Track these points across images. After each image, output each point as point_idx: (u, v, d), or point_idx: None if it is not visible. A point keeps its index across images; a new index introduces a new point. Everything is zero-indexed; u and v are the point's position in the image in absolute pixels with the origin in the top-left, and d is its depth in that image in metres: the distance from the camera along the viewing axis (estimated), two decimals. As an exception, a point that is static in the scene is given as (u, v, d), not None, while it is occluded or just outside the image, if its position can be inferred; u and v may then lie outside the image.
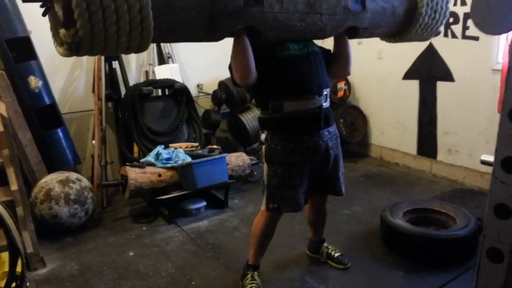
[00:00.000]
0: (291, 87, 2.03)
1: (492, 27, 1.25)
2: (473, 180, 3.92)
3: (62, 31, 1.40)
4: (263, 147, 2.16)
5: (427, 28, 2.29)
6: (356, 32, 2.12)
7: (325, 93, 2.09)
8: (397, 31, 2.29)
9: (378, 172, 4.46)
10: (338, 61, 2.19)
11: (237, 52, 1.89)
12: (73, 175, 3.17)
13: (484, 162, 2.01)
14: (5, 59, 3.27)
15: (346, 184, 2.39)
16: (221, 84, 4.45)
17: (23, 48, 3.33)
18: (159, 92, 4.24)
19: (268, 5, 1.75)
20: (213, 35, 1.75)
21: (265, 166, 2.17)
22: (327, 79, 2.15)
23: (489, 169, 1.08)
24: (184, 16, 1.60)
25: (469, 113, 3.87)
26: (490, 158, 2.02)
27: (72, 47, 1.40)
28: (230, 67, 2.05)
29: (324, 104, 2.09)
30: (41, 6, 1.50)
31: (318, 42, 2.20)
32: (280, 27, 1.84)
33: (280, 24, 1.82)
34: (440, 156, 4.20)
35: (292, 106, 2.03)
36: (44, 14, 1.53)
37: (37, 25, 3.16)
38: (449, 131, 4.09)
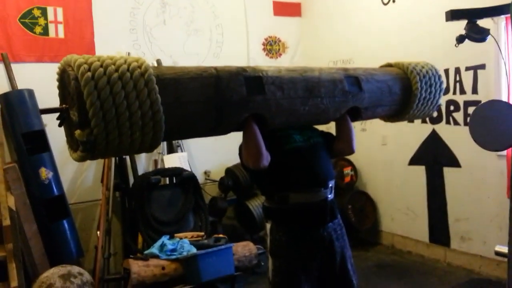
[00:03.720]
0: (297, 178, 2.04)
1: (490, 145, 1.30)
2: (490, 269, 3.74)
3: (77, 132, 1.45)
4: (268, 239, 2.11)
5: (426, 102, 2.37)
6: (359, 112, 2.17)
7: (330, 185, 2.09)
8: (399, 109, 2.35)
9: (391, 262, 4.28)
10: (341, 138, 2.20)
11: (248, 139, 1.92)
12: (75, 269, 3.05)
13: (498, 254, 1.91)
14: (19, 151, 3.38)
15: (359, 275, 2.27)
16: (228, 171, 4.49)
17: (38, 141, 3.44)
18: (167, 180, 4.27)
19: (270, 93, 1.85)
20: (222, 126, 1.81)
21: (270, 261, 2.10)
22: (332, 171, 2.17)
23: (506, 258, 1.03)
24: (192, 108, 1.67)
25: (479, 199, 3.81)
26: (505, 249, 1.93)
27: (87, 147, 1.44)
28: (240, 154, 2.07)
29: (329, 196, 2.08)
30: (58, 118, 1.58)
31: (322, 127, 2.24)
32: (285, 112, 1.91)
33: (284, 109, 1.90)
34: (454, 244, 4.06)
35: (298, 198, 2.02)
36: (60, 125, 1.61)
37: (52, 118, 3.30)
38: (460, 217, 4.00)
